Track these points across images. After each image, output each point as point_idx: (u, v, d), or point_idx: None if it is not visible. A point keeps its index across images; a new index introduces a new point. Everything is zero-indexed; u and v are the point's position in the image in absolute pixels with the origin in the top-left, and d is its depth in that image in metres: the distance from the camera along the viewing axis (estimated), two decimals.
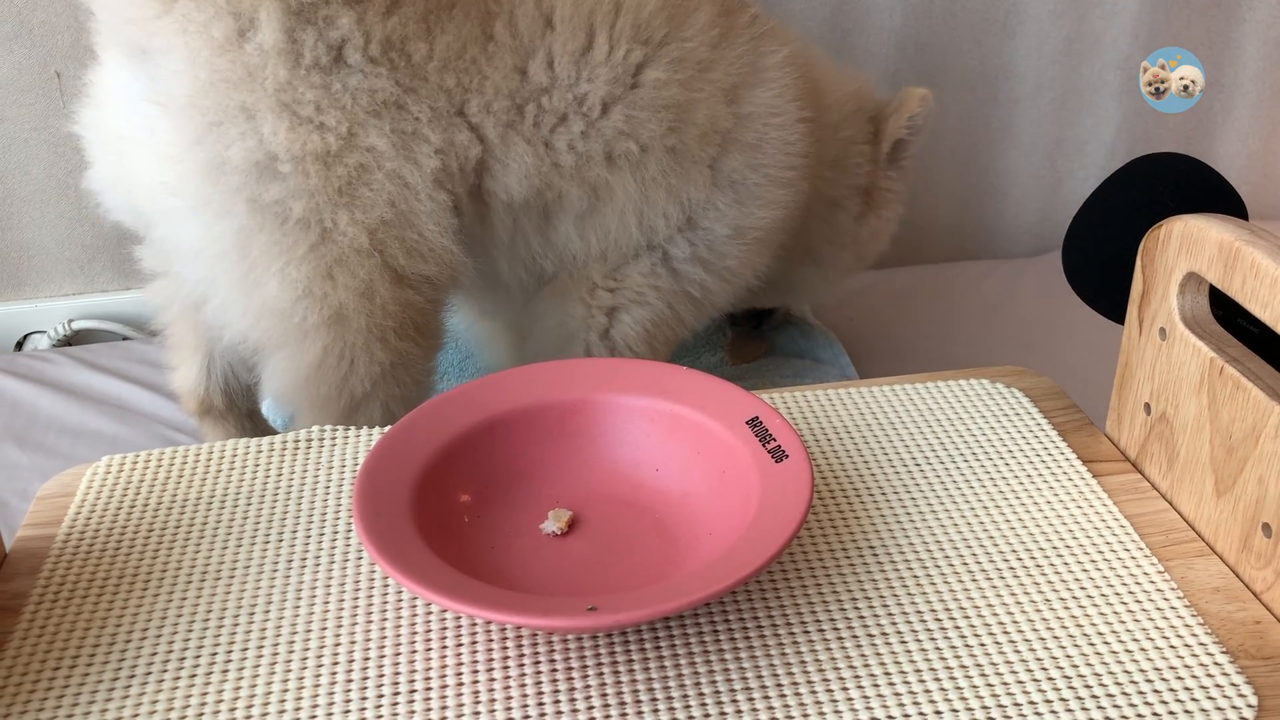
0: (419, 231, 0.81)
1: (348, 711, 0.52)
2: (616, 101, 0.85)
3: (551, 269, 0.93)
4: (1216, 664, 0.53)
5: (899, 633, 0.56)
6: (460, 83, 0.80)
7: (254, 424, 1.02)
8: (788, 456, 0.59)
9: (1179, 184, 0.72)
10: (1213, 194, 0.71)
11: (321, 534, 0.63)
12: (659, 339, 0.96)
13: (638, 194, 0.89)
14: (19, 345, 1.41)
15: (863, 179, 1.07)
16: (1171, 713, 0.51)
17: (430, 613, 0.57)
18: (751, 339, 1.28)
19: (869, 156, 1.07)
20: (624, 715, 0.51)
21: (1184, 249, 0.62)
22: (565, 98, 0.84)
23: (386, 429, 0.63)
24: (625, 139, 0.86)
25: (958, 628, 0.56)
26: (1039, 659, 0.54)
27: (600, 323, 0.93)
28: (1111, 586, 0.58)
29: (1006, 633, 0.56)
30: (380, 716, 0.52)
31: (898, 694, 0.52)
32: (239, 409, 1.00)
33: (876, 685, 0.53)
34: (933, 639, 0.55)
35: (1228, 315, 0.64)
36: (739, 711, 0.51)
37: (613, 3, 0.85)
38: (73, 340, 1.41)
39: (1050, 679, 0.53)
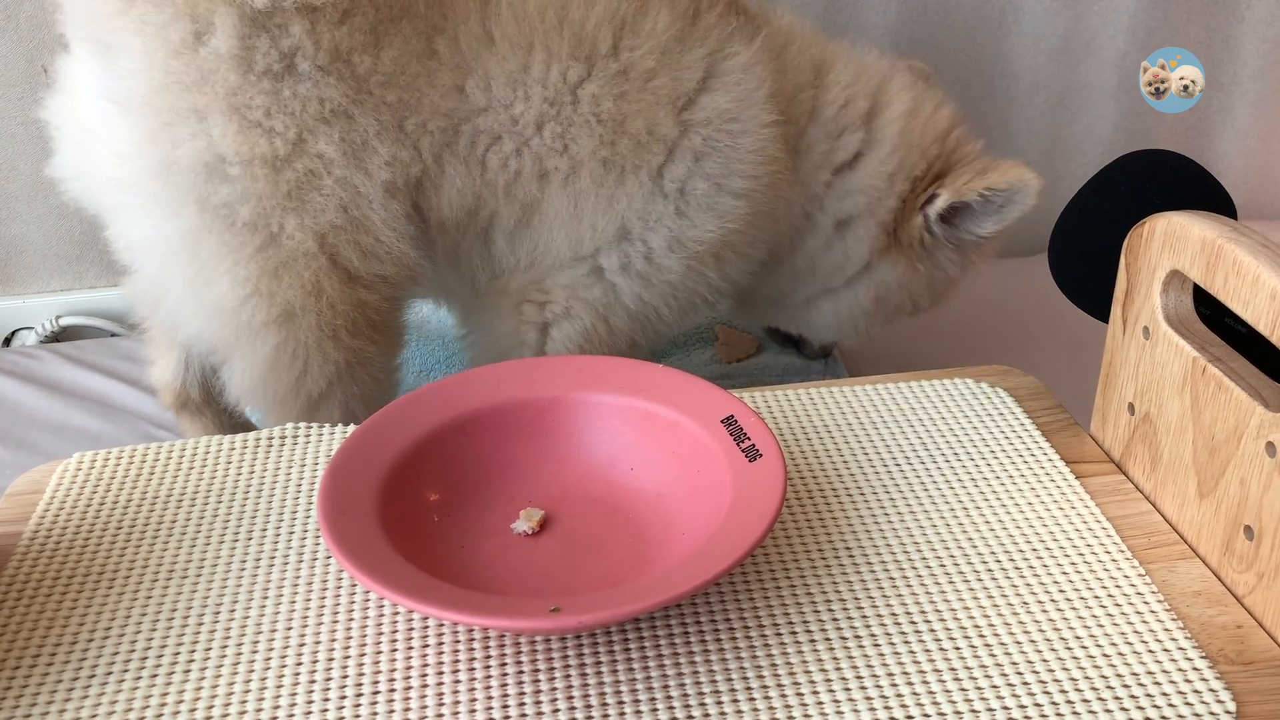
0: (374, 235, 0.81)
1: (309, 713, 0.51)
2: (549, 120, 0.83)
3: (485, 279, 0.92)
4: (1195, 669, 0.52)
5: (873, 635, 0.55)
6: (400, 99, 0.80)
7: (232, 418, 1.01)
8: (761, 455, 0.58)
9: (1166, 181, 0.71)
10: (1200, 191, 0.70)
11: (290, 533, 0.62)
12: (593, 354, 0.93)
13: (567, 208, 0.86)
14: (7, 341, 1.40)
15: (884, 213, 0.96)
16: (1148, 718, 0.50)
17: (397, 613, 0.56)
18: (744, 336, 1.27)
19: (898, 192, 0.95)
20: (590, 718, 0.50)
21: (1167, 246, 0.61)
22: (500, 118, 0.83)
23: (356, 426, 0.62)
24: (557, 155, 0.84)
25: (933, 630, 0.55)
26: (1015, 663, 0.53)
27: (531, 338, 0.92)
28: (1091, 590, 0.57)
29: (983, 636, 0.55)
30: (343, 718, 0.51)
31: (869, 698, 0.51)
32: (216, 403, 0.99)
33: (848, 689, 0.52)
34: (907, 642, 0.54)
35: (1215, 315, 0.63)
36: (706, 715, 0.50)
37: (556, 18, 0.82)
38: (60, 336, 1.40)
39: (1026, 683, 0.52)
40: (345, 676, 0.53)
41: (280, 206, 0.78)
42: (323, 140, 0.77)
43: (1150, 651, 0.53)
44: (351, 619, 0.56)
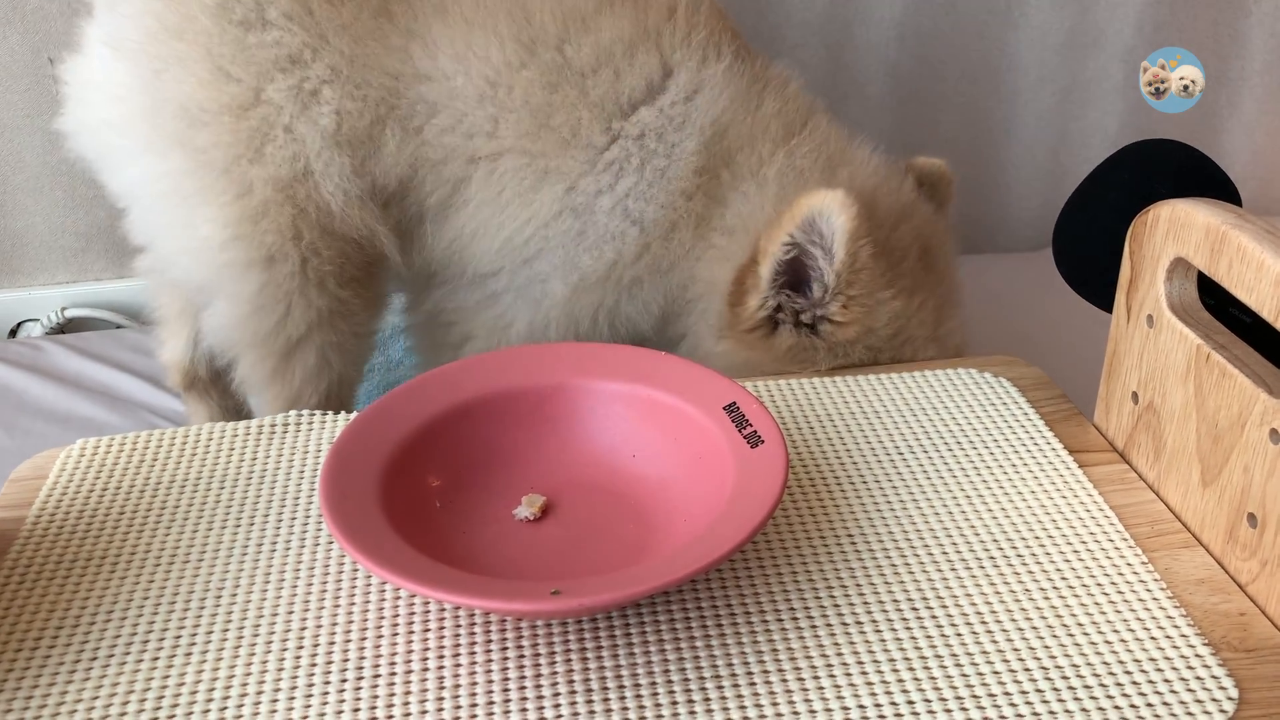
0: (322, 192, 0.82)
1: (310, 696, 0.51)
2: (487, 100, 0.82)
3: (418, 264, 0.91)
4: (1198, 656, 0.52)
5: (874, 621, 0.54)
6: (353, 51, 0.81)
7: (235, 403, 1.02)
8: (764, 442, 0.58)
9: (1170, 169, 0.70)
10: (1205, 179, 0.70)
11: (293, 518, 0.63)
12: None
13: (491, 201, 0.84)
14: (12, 333, 1.41)
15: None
16: (1150, 705, 0.50)
17: (399, 597, 0.57)
18: None
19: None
20: (590, 702, 0.50)
21: (1171, 234, 0.60)
22: (442, 90, 0.82)
23: (358, 412, 0.63)
24: (485, 138, 0.83)
25: (934, 617, 0.55)
26: (1016, 650, 0.53)
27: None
28: (1094, 577, 0.57)
29: (984, 623, 0.54)
30: (344, 700, 0.51)
31: (870, 683, 0.51)
32: (222, 382, 1.00)
33: (849, 675, 0.51)
34: (908, 628, 0.54)
35: (1219, 304, 0.63)
36: (707, 700, 0.50)
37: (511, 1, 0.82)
38: (66, 328, 1.40)
39: (1028, 670, 0.52)
40: (347, 660, 0.53)
41: (245, 157, 0.81)
42: (276, 87, 0.80)
43: (1153, 639, 0.53)
44: (353, 603, 0.56)
